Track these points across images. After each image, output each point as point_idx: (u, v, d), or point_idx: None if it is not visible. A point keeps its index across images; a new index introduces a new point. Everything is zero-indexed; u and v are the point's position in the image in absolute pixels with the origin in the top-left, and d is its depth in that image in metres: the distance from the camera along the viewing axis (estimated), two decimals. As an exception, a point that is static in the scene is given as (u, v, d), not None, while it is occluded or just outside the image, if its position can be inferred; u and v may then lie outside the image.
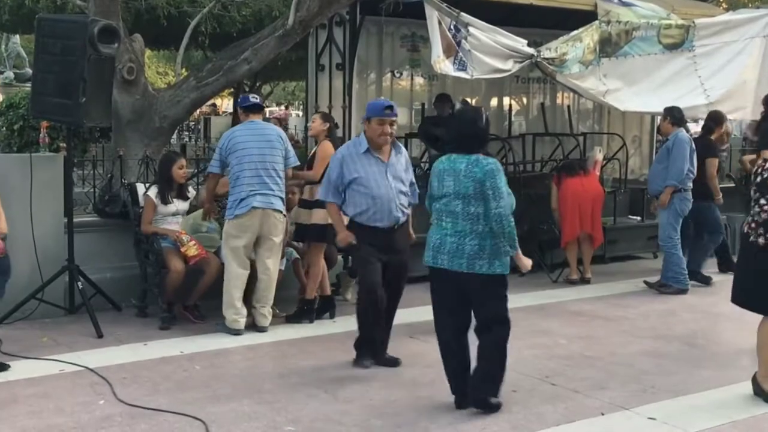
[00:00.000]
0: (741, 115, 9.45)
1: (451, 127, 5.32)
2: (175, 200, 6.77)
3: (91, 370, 5.44)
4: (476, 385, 4.74)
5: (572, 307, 7.48)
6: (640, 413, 4.78)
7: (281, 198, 6.34)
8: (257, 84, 21.98)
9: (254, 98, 6.64)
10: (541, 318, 6.98)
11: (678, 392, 5.15)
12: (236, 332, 6.23)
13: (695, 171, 7.96)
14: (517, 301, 7.29)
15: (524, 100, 11.19)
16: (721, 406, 4.92)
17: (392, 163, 5.58)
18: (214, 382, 5.27)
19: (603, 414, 4.77)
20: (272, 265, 6.37)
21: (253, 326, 6.37)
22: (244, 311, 6.33)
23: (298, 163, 6.49)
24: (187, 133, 20.61)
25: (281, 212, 6.34)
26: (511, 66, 7.92)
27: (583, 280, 8.39)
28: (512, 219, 4.63)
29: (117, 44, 6.52)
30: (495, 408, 4.71)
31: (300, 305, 6.82)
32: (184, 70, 10.85)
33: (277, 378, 5.36)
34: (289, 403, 4.89)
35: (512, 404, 4.90)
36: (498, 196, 4.56)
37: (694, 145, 7.93)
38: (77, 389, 5.10)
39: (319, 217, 6.50)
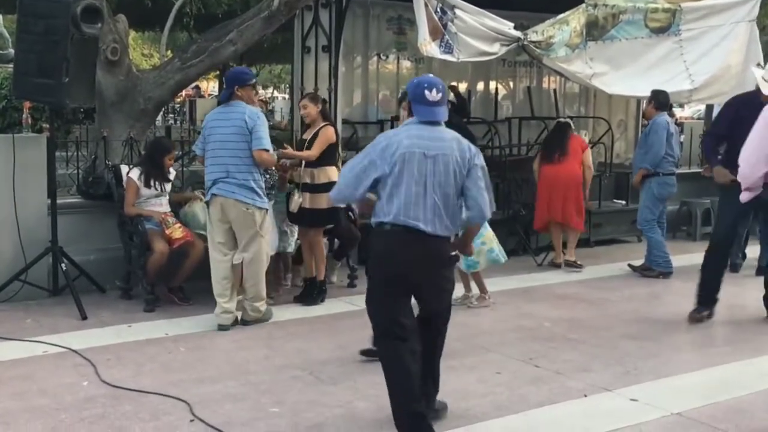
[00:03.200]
0: (722, 99, 9.44)
1: None
2: (157, 183, 6.74)
3: (75, 351, 5.43)
4: None
5: (557, 290, 7.51)
6: (623, 394, 4.81)
7: (249, 187, 5.85)
8: (242, 66, 21.90)
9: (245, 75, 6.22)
10: (526, 301, 7.01)
11: (660, 374, 5.18)
12: (219, 327, 6.02)
13: (676, 155, 8.01)
14: (502, 284, 7.42)
15: (511, 83, 11.18)
16: (702, 387, 4.97)
17: None
18: (199, 364, 5.27)
19: (586, 395, 4.80)
20: (249, 257, 5.97)
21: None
22: (229, 306, 6.03)
23: (265, 147, 5.85)
24: (172, 115, 20.48)
25: (246, 203, 5.87)
26: (497, 49, 7.90)
27: (568, 264, 8.36)
28: None
29: (100, 24, 6.45)
30: None
31: (309, 286, 6.83)
32: (169, 51, 10.75)
33: (262, 360, 5.36)
34: (274, 384, 4.89)
35: (496, 386, 4.93)
36: None
37: (672, 129, 7.96)
38: (61, 371, 5.09)
39: (324, 201, 6.32)
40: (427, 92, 4.08)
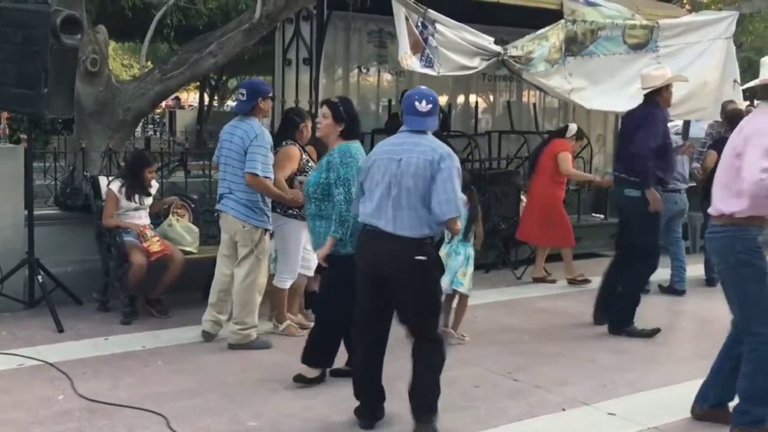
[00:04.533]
0: (699, 115, 9.57)
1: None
2: (138, 196, 6.71)
3: (51, 364, 5.38)
4: None
5: (536, 303, 7.54)
6: (600, 408, 4.84)
7: (246, 205, 5.72)
8: (223, 78, 21.85)
9: (241, 95, 5.90)
10: (506, 314, 7.03)
11: (637, 388, 5.21)
12: (203, 333, 6.03)
13: (681, 171, 7.98)
14: (481, 297, 7.41)
15: (491, 97, 11.22)
16: (680, 401, 4.95)
17: None
18: (176, 377, 5.24)
19: (564, 409, 4.82)
20: (240, 274, 5.82)
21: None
22: (219, 317, 6.02)
23: (254, 170, 5.60)
24: (151, 126, 20.41)
25: (243, 221, 5.74)
26: (477, 63, 7.93)
27: (545, 280, 8.41)
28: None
29: (80, 35, 6.43)
30: None
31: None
32: (149, 62, 10.72)
33: (240, 373, 5.33)
34: (252, 398, 4.87)
35: (474, 399, 4.94)
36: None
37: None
38: (36, 384, 5.04)
39: None
40: (417, 103, 4.23)
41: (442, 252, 6.03)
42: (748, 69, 12.26)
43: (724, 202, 4.25)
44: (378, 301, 4.35)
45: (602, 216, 10.23)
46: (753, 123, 4.19)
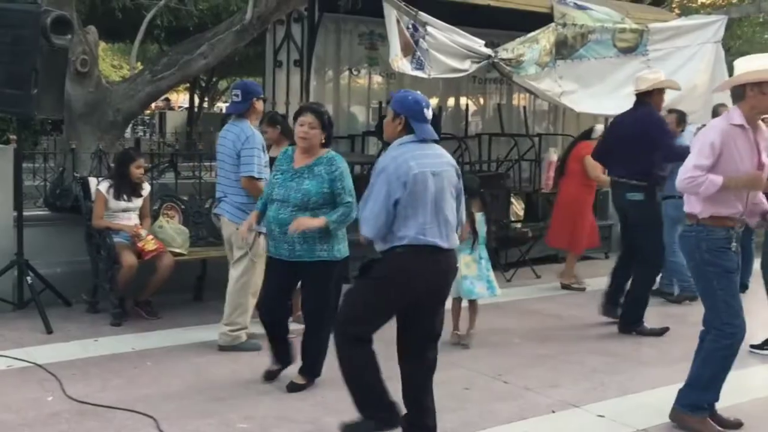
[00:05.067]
0: (689, 119, 9.59)
1: None
2: (127, 197, 6.69)
3: (40, 366, 5.35)
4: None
5: (527, 305, 7.55)
6: (590, 410, 4.85)
7: (236, 205, 5.72)
8: (213, 79, 21.80)
9: (235, 96, 5.88)
10: (497, 316, 7.03)
11: (627, 390, 5.23)
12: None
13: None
14: (471, 299, 7.42)
15: (481, 100, 11.26)
16: (669, 403, 4.95)
17: None
18: (166, 379, 5.22)
19: (554, 411, 4.83)
20: (233, 276, 5.80)
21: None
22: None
23: (249, 173, 5.60)
24: (141, 127, 20.36)
25: (236, 223, 5.65)
26: (468, 66, 7.94)
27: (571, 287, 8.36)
28: None
29: (70, 35, 6.39)
30: None
31: None
32: (139, 63, 10.70)
33: (229, 375, 5.32)
34: (242, 400, 4.86)
35: (465, 401, 4.95)
36: None
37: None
38: (25, 385, 5.01)
39: None
40: (426, 111, 4.11)
41: (468, 258, 6.08)
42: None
43: (688, 202, 4.49)
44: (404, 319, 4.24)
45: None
46: (706, 128, 4.41)
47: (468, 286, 6.10)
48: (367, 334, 4.15)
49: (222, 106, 30.32)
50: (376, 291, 4.11)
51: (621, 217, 6.95)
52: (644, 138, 6.47)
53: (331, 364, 5.09)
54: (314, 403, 4.82)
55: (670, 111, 7.71)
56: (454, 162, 4.22)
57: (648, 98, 6.65)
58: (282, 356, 5.19)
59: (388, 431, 4.21)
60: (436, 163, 4.09)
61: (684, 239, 4.57)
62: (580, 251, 8.54)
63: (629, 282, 6.75)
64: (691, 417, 4.53)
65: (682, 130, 7.75)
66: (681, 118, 7.82)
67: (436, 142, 4.25)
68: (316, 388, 5.05)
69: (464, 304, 6.27)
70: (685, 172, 4.33)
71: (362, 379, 4.17)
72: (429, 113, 4.13)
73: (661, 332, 6.60)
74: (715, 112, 8.12)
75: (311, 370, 5.08)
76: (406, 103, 4.13)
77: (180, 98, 31.98)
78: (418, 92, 4.37)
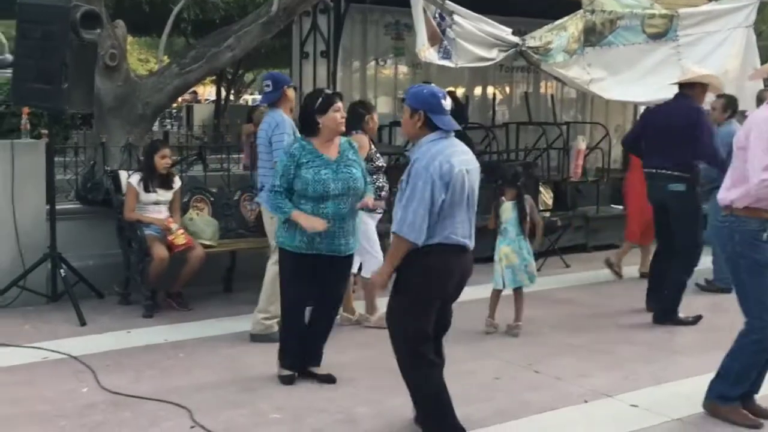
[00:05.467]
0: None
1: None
2: (158, 189, 6.73)
3: (74, 357, 5.42)
4: None
5: (556, 295, 7.51)
6: (623, 400, 4.82)
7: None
8: (239, 72, 21.86)
9: (267, 86, 5.98)
10: (527, 306, 6.90)
11: (659, 379, 5.19)
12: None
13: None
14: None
15: (508, 89, 11.20)
16: (701, 393, 4.92)
17: None
18: (199, 370, 5.26)
19: (586, 401, 4.80)
20: (268, 265, 5.86)
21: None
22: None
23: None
24: (169, 120, 20.47)
25: (267, 210, 5.74)
26: (495, 55, 7.90)
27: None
28: (270, 194, 4.91)
29: (99, 30, 6.45)
30: None
31: None
32: (166, 57, 10.74)
33: (261, 365, 5.33)
34: (273, 390, 4.89)
35: (496, 391, 4.94)
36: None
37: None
38: (60, 377, 5.08)
39: None
40: (443, 102, 4.04)
41: (507, 249, 6.16)
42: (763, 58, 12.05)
43: (725, 189, 4.36)
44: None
45: (621, 207, 10.16)
46: (756, 114, 4.25)
47: (510, 276, 6.16)
48: (430, 347, 4.12)
49: (248, 98, 30.47)
50: (418, 298, 4.04)
51: (658, 209, 6.83)
52: (688, 130, 6.41)
53: (362, 353, 5.13)
54: (345, 393, 4.84)
55: (719, 96, 7.56)
56: (473, 157, 4.18)
57: (690, 91, 6.60)
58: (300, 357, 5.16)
59: None
60: (468, 160, 4.06)
61: (718, 230, 4.48)
62: (647, 242, 8.16)
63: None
64: (721, 407, 4.50)
65: (729, 117, 7.60)
66: (729, 103, 7.63)
67: (460, 132, 4.22)
68: (347, 378, 5.06)
69: (505, 293, 6.31)
70: (757, 174, 4.07)
71: (440, 399, 4.14)
72: (448, 104, 4.06)
73: (694, 321, 6.55)
74: (761, 98, 7.93)
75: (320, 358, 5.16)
76: (422, 97, 4.05)
77: (206, 91, 32.12)
78: (432, 84, 4.36)
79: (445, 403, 4.13)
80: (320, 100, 4.90)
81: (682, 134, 6.44)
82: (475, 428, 4.34)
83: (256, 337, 5.86)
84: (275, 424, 4.41)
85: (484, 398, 4.80)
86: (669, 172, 6.55)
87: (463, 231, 4.02)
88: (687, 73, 6.73)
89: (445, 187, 3.89)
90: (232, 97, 23.41)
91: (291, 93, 5.97)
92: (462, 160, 4.00)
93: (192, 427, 4.35)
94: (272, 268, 5.74)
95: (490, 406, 4.68)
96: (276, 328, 5.83)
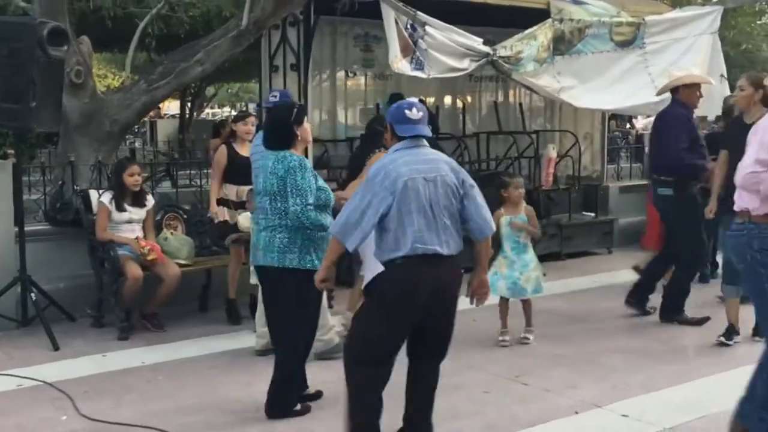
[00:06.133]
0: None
1: (264, 123, 5.15)
2: (130, 208, 6.59)
3: (50, 384, 5.26)
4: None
5: (536, 304, 7.43)
6: (613, 410, 4.79)
7: None
8: (202, 85, 21.63)
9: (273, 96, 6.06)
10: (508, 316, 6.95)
11: (648, 388, 5.17)
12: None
13: None
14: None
15: (477, 98, 11.18)
16: (691, 401, 4.96)
17: None
18: (180, 393, 5.13)
19: (577, 412, 4.76)
20: None
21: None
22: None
23: None
24: (133, 138, 20.19)
25: None
26: (467, 65, 7.88)
27: None
28: (311, 213, 4.52)
29: (67, 46, 6.32)
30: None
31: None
32: (127, 73, 10.55)
33: (244, 387, 5.22)
34: (258, 413, 4.74)
35: (485, 405, 4.88)
36: (296, 193, 4.50)
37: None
38: (37, 405, 4.91)
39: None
40: (407, 111, 4.06)
41: (501, 260, 6.20)
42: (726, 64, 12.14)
43: (740, 198, 4.19)
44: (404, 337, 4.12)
45: (593, 214, 10.22)
46: (765, 119, 4.18)
47: (509, 286, 6.19)
48: (377, 356, 4.04)
49: (210, 112, 30.17)
50: (379, 308, 4.01)
51: (660, 215, 7.06)
52: (665, 133, 6.60)
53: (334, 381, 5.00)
54: (335, 414, 4.69)
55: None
56: (451, 162, 4.10)
57: (676, 95, 6.76)
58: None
59: None
60: (430, 168, 3.99)
61: (733, 238, 4.27)
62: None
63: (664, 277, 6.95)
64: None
65: None
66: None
67: (432, 141, 4.17)
68: (335, 399, 4.94)
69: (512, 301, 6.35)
70: (745, 168, 4.05)
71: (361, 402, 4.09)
72: (413, 113, 4.06)
73: (700, 322, 6.61)
74: (727, 104, 7.99)
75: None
76: (390, 112, 4.16)
77: (166, 106, 31.79)
78: (411, 99, 4.37)
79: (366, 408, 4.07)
80: (295, 110, 4.80)
81: (662, 138, 6.64)
82: (468, 444, 4.29)
83: (321, 356, 5.62)
84: (264, 448, 4.30)
85: (474, 412, 4.73)
86: (656, 176, 6.77)
87: (430, 239, 3.93)
88: (670, 80, 6.83)
89: (390, 195, 3.89)
90: (197, 112, 23.17)
91: None
92: (418, 169, 3.96)
93: (178, 453, 4.23)
94: None
95: (479, 420, 4.62)
96: (337, 340, 5.68)
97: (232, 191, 6.72)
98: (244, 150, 6.63)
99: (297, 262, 4.56)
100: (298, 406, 4.77)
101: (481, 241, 4.14)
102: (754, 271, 4.13)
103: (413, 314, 3.99)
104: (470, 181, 4.09)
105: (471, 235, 4.12)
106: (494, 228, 4.16)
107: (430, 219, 3.94)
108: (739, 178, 4.10)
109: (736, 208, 4.25)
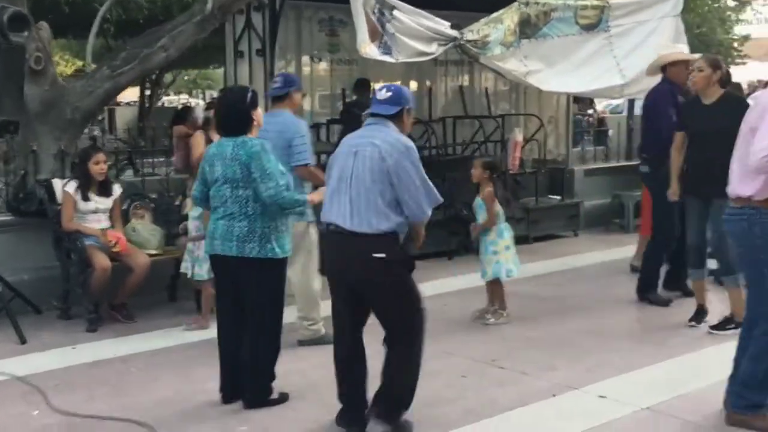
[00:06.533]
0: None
1: (216, 109, 5.07)
2: (96, 197, 6.46)
3: (19, 378, 5.14)
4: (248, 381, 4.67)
5: (505, 288, 7.47)
6: (590, 392, 4.82)
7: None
8: (161, 72, 21.28)
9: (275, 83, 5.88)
10: (477, 301, 6.93)
11: (622, 369, 5.20)
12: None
13: None
14: (448, 285, 7.40)
15: (443, 82, 11.16)
16: (666, 380, 5.00)
17: None
18: (154, 384, 5.06)
19: (554, 395, 4.78)
20: (294, 270, 5.58)
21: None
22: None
23: (306, 161, 5.52)
24: (94, 126, 19.76)
25: None
26: (435, 49, 7.84)
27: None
28: (287, 194, 4.48)
29: (27, 32, 6.16)
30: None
31: None
32: (90, 60, 10.31)
33: (218, 375, 5.13)
34: (237, 402, 4.69)
35: (464, 390, 4.88)
36: (267, 178, 4.43)
37: None
38: (7, 400, 4.80)
39: None
40: (378, 93, 4.30)
41: (510, 236, 6.43)
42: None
43: (741, 183, 4.09)
44: (352, 306, 4.23)
45: (559, 197, 10.27)
46: (765, 95, 4.12)
47: (516, 264, 6.44)
48: (340, 323, 4.28)
49: (165, 99, 29.72)
50: None
51: None
52: (653, 110, 6.83)
53: (325, 365, 4.99)
54: (313, 402, 4.69)
55: None
56: (394, 141, 4.07)
57: (664, 73, 6.95)
58: None
59: None
60: (364, 142, 4.12)
61: (732, 223, 4.18)
62: None
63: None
64: (753, 417, 4.17)
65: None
66: None
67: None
68: (312, 386, 4.92)
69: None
70: (761, 150, 3.88)
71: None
72: (382, 93, 4.24)
73: (666, 302, 6.72)
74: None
75: None
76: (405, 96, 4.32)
77: (122, 93, 31.26)
78: (395, 84, 4.42)
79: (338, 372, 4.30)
80: (250, 95, 4.69)
81: (644, 116, 7.05)
82: (449, 429, 4.27)
83: (305, 343, 5.70)
84: (244, 438, 4.25)
85: (454, 398, 4.73)
86: (641, 154, 7.10)
87: (336, 210, 4.09)
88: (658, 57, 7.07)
89: (330, 165, 4.26)
90: (155, 99, 22.77)
91: (298, 97, 5.83)
92: (353, 143, 4.17)
93: (156, 445, 4.16)
94: (297, 274, 5.62)
95: (460, 406, 4.62)
96: (323, 331, 5.65)
97: None
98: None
99: (257, 252, 4.47)
100: (276, 395, 4.72)
101: (414, 223, 4.19)
102: (755, 258, 4.10)
103: (338, 286, 4.22)
104: (406, 158, 4.03)
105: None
106: (427, 214, 4.14)
107: (341, 191, 4.08)
108: (754, 161, 3.91)
109: (731, 192, 4.19)
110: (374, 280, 4.06)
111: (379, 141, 4.07)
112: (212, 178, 4.59)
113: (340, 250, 4.12)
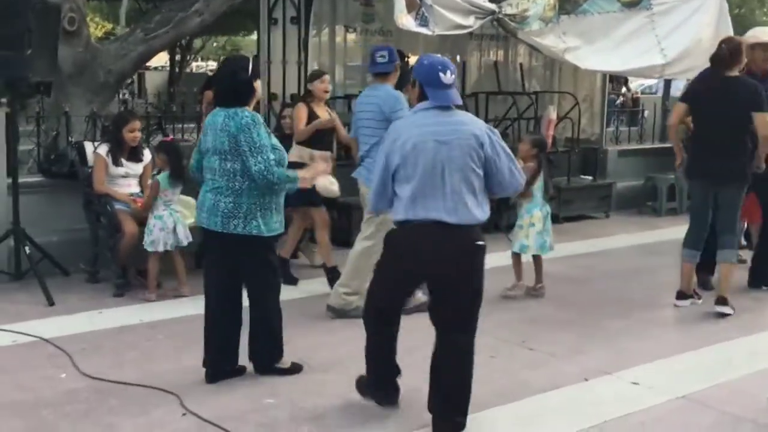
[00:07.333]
0: (694, 74, 9.41)
1: (216, 78, 4.91)
2: (127, 162, 6.42)
3: (46, 340, 5.13)
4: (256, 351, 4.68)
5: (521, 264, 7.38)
6: (622, 378, 4.73)
7: (368, 167, 5.61)
8: (189, 38, 21.22)
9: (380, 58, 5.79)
10: (507, 279, 6.86)
11: (654, 355, 5.10)
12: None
13: None
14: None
15: (477, 57, 10.99)
16: (699, 369, 4.91)
17: None
18: (181, 353, 5.02)
19: (587, 379, 4.70)
20: (358, 237, 5.78)
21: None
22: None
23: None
24: (125, 90, 19.78)
25: (364, 184, 5.62)
26: (472, 22, 7.69)
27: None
28: (276, 169, 4.32)
29: (62, -8, 6.10)
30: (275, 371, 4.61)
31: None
32: (124, 23, 10.26)
33: (245, 346, 5.10)
34: (265, 374, 4.66)
35: (493, 371, 4.79)
36: (256, 152, 4.27)
37: None
38: (35, 362, 4.79)
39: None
40: (441, 75, 3.84)
41: (539, 214, 6.42)
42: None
43: None
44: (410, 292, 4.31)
45: (591, 178, 10.13)
46: None
47: (540, 241, 6.44)
48: (384, 308, 4.11)
49: (194, 65, 29.64)
50: (382, 264, 4.11)
51: None
52: None
53: (353, 339, 4.93)
54: (339, 376, 4.63)
55: None
56: (479, 129, 3.85)
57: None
58: None
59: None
60: (448, 130, 3.82)
61: None
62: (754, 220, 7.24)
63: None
64: None
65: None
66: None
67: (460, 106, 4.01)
68: (339, 361, 4.87)
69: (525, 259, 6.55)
70: None
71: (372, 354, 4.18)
72: (447, 77, 3.85)
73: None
74: None
75: None
76: (421, 69, 3.97)
77: (158, 58, 31.27)
78: (439, 55, 4.18)
79: (377, 364, 4.19)
80: (251, 64, 4.54)
81: None
82: (479, 411, 4.20)
83: (334, 310, 5.65)
84: (271, 409, 4.21)
85: (483, 379, 4.58)
86: None
87: (435, 205, 3.79)
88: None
89: (398, 157, 3.84)
90: (185, 65, 22.73)
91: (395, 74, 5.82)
92: (436, 131, 3.80)
93: (183, 414, 4.12)
94: (362, 243, 5.60)
95: (491, 388, 4.51)
96: (354, 305, 5.54)
97: (305, 154, 6.36)
98: (321, 111, 6.57)
99: (242, 228, 4.36)
100: (289, 364, 4.69)
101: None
102: None
103: (410, 279, 4.09)
104: (497, 138, 3.88)
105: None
106: (521, 183, 4.00)
107: (438, 185, 3.79)
108: None
109: None
110: (472, 269, 3.96)
111: (468, 127, 3.83)
112: (204, 147, 4.49)
113: (439, 243, 3.81)
